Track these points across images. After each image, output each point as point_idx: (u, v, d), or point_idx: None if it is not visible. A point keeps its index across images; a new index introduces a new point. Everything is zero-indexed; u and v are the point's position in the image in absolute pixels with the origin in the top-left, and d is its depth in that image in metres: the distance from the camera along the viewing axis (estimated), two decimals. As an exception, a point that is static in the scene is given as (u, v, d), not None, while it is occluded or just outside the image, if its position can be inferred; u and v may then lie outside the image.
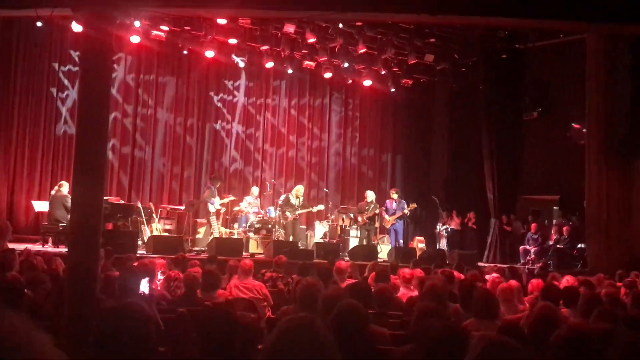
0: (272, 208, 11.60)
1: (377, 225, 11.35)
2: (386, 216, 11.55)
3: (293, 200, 11.00)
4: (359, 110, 14.56)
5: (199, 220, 11.59)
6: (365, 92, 14.10)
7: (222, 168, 13.20)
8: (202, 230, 11.03)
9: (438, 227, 12.75)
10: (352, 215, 11.69)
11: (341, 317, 2.51)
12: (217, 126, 13.12)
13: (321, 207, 11.58)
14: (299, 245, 10.67)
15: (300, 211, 11.04)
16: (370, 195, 11.27)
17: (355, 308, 2.59)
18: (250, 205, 11.52)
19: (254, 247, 10.68)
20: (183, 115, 12.81)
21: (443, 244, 12.72)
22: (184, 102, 12.80)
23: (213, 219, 10.58)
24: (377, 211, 11.14)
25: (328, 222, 12.24)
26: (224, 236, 10.59)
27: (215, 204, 10.72)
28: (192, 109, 12.90)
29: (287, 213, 10.80)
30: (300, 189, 11.18)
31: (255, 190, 11.86)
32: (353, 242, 11.48)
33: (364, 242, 11.15)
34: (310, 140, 14.17)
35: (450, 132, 14.34)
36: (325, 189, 13.57)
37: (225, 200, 11.13)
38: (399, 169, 14.93)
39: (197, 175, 12.93)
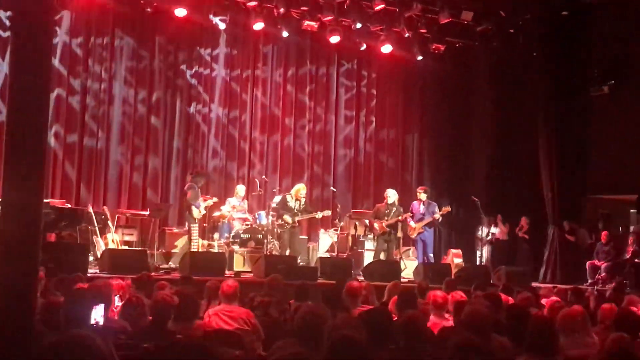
0: (262, 213, 11.62)
1: (399, 234, 11.50)
2: (412, 223, 11.56)
3: (292, 203, 11.05)
4: (375, 86, 14.54)
5: (175, 230, 11.80)
6: (383, 62, 14.04)
7: (199, 161, 13.25)
8: (180, 242, 11.20)
9: (479, 235, 12.81)
10: (367, 222, 11.77)
11: (333, 354, 2.53)
12: (191, 109, 13.22)
13: (327, 212, 11.61)
14: (299, 261, 10.78)
15: (300, 217, 11.08)
16: (392, 196, 11.33)
17: (351, 341, 2.63)
18: (234, 209, 11.55)
19: (239, 263, 10.79)
20: (146, 89, 12.81)
21: (486, 259, 12.88)
22: (147, 74, 12.80)
23: (195, 228, 10.72)
24: (400, 217, 11.20)
25: (336, 230, 12.22)
26: (200, 249, 10.65)
27: (201, 207, 10.87)
28: (158, 82, 12.91)
29: (286, 217, 10.88)
30: (301, 188, 11.24)
31: (241, 189, 11.84)
32: (369, 257, 11.57)
33: (382, 257, 11.17)
34: (313, 124, 14.17)
35: (495, 112, 14.33)
36: (332, 188, 13.49)
37: (210, 202, 11.22)
38: (428, 161, 14.89)
39: (166, 168, 12.99)
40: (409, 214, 11.60)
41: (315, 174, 14.21)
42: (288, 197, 11.14)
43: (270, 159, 13.90)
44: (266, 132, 13.77)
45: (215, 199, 11.41)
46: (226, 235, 11.34)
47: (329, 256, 11.83)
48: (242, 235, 11.12)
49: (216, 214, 11.51)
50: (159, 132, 12.97)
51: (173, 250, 11.11)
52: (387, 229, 11.14)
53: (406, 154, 14.85)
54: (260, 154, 13.77)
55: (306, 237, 12.22)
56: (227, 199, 11.85)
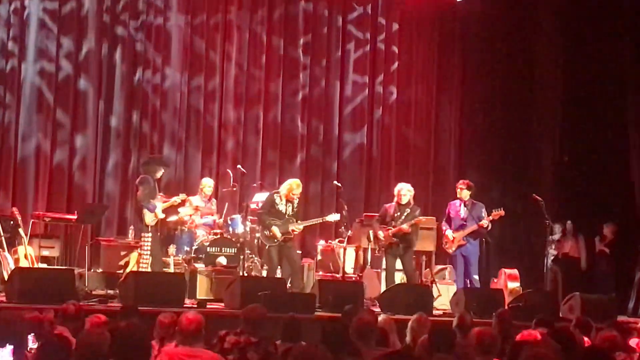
0: (238, 218, 11.70)
1: (414, 246, 11.50)
2: (448, 232, 11.59)
3: (281, 206, 11.09)
4: (397, 41, 14.58)
5: (117, 241, 11.94)
6: (409, 6, 14.17)
7: (147, 143, 13.29)
8: (132, 258, 11.22)
9: (550, 247, 12.80)
10: (371, 231, 11.79)
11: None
12: (136, 78, 13.40)
13: (333, 217, 11.66)
14: (288, 285, 10.77)
15: (296, 226, 11.16)
16: (406, 193, 11.34)
17: None
18: (198, 212, 11.61)
19: (204, 288, 10.84)
20: (73, 38, 12.83)
21: (552, 282, 12.82)
22: (74, 17, 12.84)
23: (148, 239, 10.86)
24: (415, 218, 11.25)
25: (341, 242, 12.25)
26: (148, 268, 10.73)
27: (158, 210, 10.91)
28: (89, 30, 12.96)
29: (275, 230, 10.91)
30: (294, 186, 11.25)
31: (207, 185, 11.94)
32: (397, 280, 11.52)
33: (398, 278, 11.20)
34: (309, 90, 14.19)
35: (564, 77, 14.27)
36: (335, 182, 13.30)
37: (177, 200, 11.24)
38: (471, 145, 14.93)
39: (101, 153, 13.04)
40: (444, 224, 11.58)
41: (312, 162, 14.12)
42: (276, 198, 11.14)
43: (248, 142, 13.81)
44: (243, 103, 13.78)
45: (182, 196, 11.45)
46: (186, 248, 11.34)
47: (331, 278, 11.76)
48: (208, 249, 11.13)
49: (172, 218, 11.53)
50: (89, 102, 13.03)
51: (119, 272, 11.18)
52: (394, 239, 11.15)
53: (440, 136, 14.77)
54: (234, 134, 13.73)
55: (299, 252, 12.17)
56: (187, 198, 11.78)
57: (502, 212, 11.60)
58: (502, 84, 14.74)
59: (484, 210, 11.64)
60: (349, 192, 13.67)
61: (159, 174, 11.19)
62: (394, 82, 14.62)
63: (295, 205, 11.18)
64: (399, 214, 11.21)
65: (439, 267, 12.57)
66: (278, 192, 11.19)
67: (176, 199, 11.23)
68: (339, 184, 13.08)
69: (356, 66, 14.48)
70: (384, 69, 14.59)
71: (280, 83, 14.00)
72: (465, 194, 11.63)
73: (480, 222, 11.42)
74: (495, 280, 12.66)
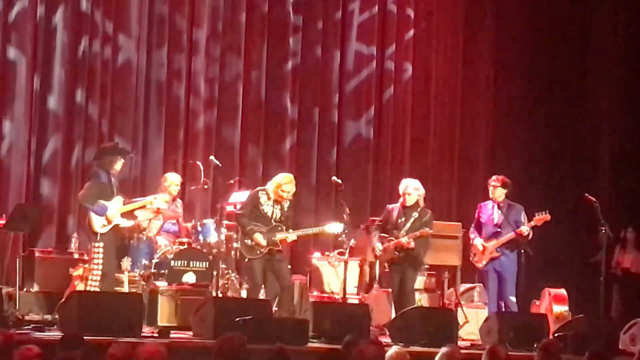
0: (210, 223, 11.88)
1: (421, 264, 11.58)
2: (477, 241, 11.72)
3: (267, 208, 11.16)
4: (413, 2, 14.69)
5: (59, 254, 11.98)
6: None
7: (95, 130, 13.23)
8: (77, 274, 11.18)
9: (606, 261, 12.57)
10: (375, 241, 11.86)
11: None
12: (81, 48, 13.38)
13: (335, 227, 11.53)
14: (274, 308, 10.82)
15: (286, 235, 11.20)
16: (412, 191, 11.39)
17: None
18: (158, 216, 11.71)
19: (167, 313, 10.94)
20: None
21: (609, 305, 12.84)
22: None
23: (99, 250, 10.79)
24: (421, 230, 11.24)
25: (342, 254, 12.24)
26: (97, 287, 10.71)
27: (110, 213, 10.84)
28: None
29: (258, 237, 10.95)
30: (285, 181, 11.28)
31: (173, 182, 12.06)
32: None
33: (410, 299, 11.34)
34: (300, 60, 14.25)
35: (629, 40, 14.52)
36: (334, 178, 13.06)
37: (135, 205, 11.26)
38: (507, 133, 15.04)
39: (36, 140, 13.00)
40: (472, 231, 11.69)
41: (303, 152, 14.22)
42: (261, 197, 11.18)
43: (223, 127, 13.91)
44: (216, 80, 13.86)
45: (157, 198, 11.41)
46: (144, 262, 11.46)
47: (328, 300, 11.92)
48: (172, 263, 11.26)
49: (126, 224, 11.31)
50: (21, 76, 12.95)
51: (59, 292, 11.07)
52: (397, 253, 11.26)
53: (467, 122, 14.91)
54: (205, 118, 13.82)
55: (289, 266, 12.12)
56: (146, 197, 11.78)
57: (547, 217, 11.63)
58: (546, 55, 14.83)
59: (523, 213, 11.70)
60: (352, 190, 13.63)
61: (116, 166, 11.10)
62: (408, 55, 14.70)
63: (286, 207, 11.19)
64: (403, 219, 11.29)
65: (466, 285, 12.68)
66: (264, 190, 11.21)
67: (150, 200, 11.20)
68: (339, 181, 12.71)
69: (361, 32, 14.50)
70: (397, 38, 14.64)
71: (265, 51, 14.02)
72: (500, 194, 11.67)
73: (519, 229, 11.46)
74: (537, 303, 12.63)
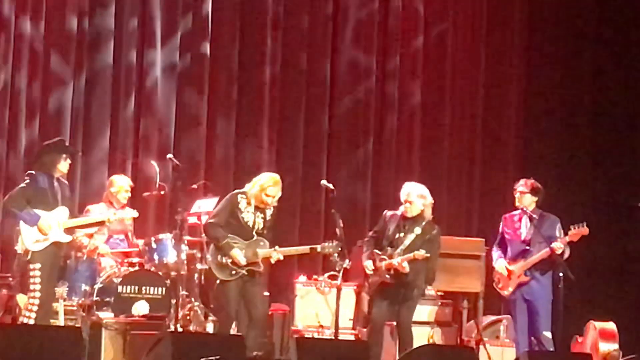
0: (168, 239, 11.92)
1: (418, 295, 11.49)
2: (501, 262, 11.66)
3: (247, 214, 11.09)
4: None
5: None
6: None
7: (3, 123, 13.31)
8: (20, 302, 11.25)
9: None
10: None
11: None
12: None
13: (330, 247, 11.40)
14: (248, 345, 10.46)
15: (269, 252, 11.08)
16: (415, 199, 11.33)
17: None
18: (102, 230, 11.85)
19: (112, 351, 10.90)
20: None
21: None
22: None
23: (37, 271, 10.74)
24: (422, 251, 11.03)
25: (334, 278, 12.14)
26: (34, 319, 10.60)
27: (44, 224, 10.71)
28: None
29: (236, 253, 10.84)
30: (270, 182, 11.21)
31: (122, 187, 12.19)
32: (419, 339, 11.65)
33: (404, 329, 11.32)
34: (282, 36, 14.75)
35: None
36: (324, 181, 12.81)
37: (93, 219, 11.50)
38: (538, 119, 15.45)
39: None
40: (495, 249, 11.73)
41: (284, 149, 14.54)
42: (241, 202, 11.04)
43: (184, 112, 14.19)
44: (174, 36, 14.30)
45: (116, 214, 11.57)
46: (84, 287, 11.46)
47: (317, 336, 11.96)
48: (120, 289, 11.31)
49: (62, 239, 11.04)
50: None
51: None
52: (388, 278, 11.13)
53: (492, 107, 15.29)
54: (160, 99, 14.12)
55: (266, 294, 12.25)
56: (87, 207, 12.09)
57: (584, 230, 11.50)
58: (589, 43, 15.38)
59: (558, 226, 11.66)
60: (346, 196, 13.65)
61: (61, 167, 10.98)
62: (417, 14, 15.10)
63: (269, 215, 11.07)
64: (402, 234, 11.16)
65: (491, 318, 12.63)
66: (244, 194, 11.04)
67: (108, 217, 11.29)
68: (330, 185, 12.34)
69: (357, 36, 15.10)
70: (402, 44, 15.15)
71: (236, 52, 14.51)
72: (529, 202, 11.65)
73: (553, 246, 11.37)
74: (579, 340, 12.56)
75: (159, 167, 12.57)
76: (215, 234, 10.85)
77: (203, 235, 11.53)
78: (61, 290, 11.08)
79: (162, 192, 12.44)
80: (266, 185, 10.96)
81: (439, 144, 15.06)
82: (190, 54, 14.59)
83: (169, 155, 12.40)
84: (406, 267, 10.84)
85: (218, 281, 10.88)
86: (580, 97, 15.34)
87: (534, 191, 11.65)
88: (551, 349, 11.44)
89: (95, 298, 11.27)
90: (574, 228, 11.45)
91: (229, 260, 10.76)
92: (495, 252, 11.67)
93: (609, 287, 14.35)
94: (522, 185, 11.74)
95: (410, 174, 14.27)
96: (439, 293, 12.12)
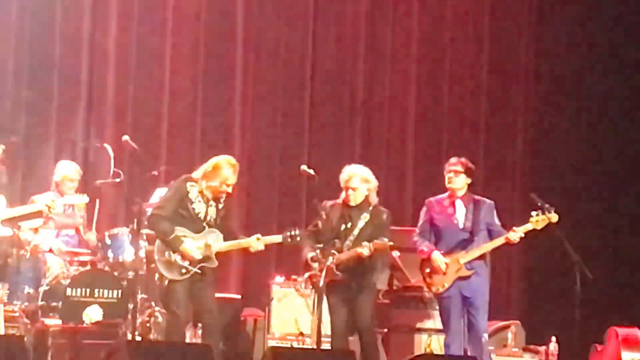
0: (124, 233, 12.21)
1: (374, 285, 11.62)
2: (437, 255, 11.46)
3: (198, 204, 11.08)
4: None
5: None
6: None
7: None
8: None
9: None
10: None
11: None
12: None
13: (291, 238, 11.28)
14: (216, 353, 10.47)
15: (224, 245, 11.04)
16: (358, 184, 11.32)
17: None
18: (48, 223, 11.93)
19: None
20: None
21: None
22: None
23: None
24: (367, 247, 11.03)
25: (314, 279, 11.58)
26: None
27: None
28: None
29: (188, 248, 10.82)
30: (223, 165, 11.16)
31: (68, 174, 12.33)
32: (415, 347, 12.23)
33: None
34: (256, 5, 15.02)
35: None
36: (303, 167, 12.68)
37: (31, 208, 11.62)
38: (547, 99, 15.89)
39: None
40: (418, 238, 11.40)
41: (258, 127, 14.84)
42: (190, 190, 10.97)
43: (142, 93, 14.35)
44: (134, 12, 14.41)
45: (54, 201, 11.59)
46: (28, 290, 11.55)
47: (295, 345, 12.23)
48: (69, 292, 11.39)
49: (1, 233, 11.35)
50: None
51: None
52: (339, 274, 11.05)
53: (499, 109, 15.69)
54: (116, 77, 14.34)
55: (239, 297, 12.75)
56: (32, 197, 12.10)
57: (552, 217, 11.37)
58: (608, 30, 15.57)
59: (495, 212, 11.59)
60: (330, 183, 12.98)
61: None
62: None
63: (222, 204, 10.99)
64: (348, 224, 11.16)
65: (498, 324, 12.62)
66: (193, 181, 10.95)
67: (47, 204, 11.34)
68: (311, 171, 12.31)
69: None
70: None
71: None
72: (462, 184, 11.49)
73: (509, 235, 11.28)
74: (599, 349, 12.56)
75: (114, 151, 12.53)
76: (162, 227, 10.82)
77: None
78: (0, 293, 11.20)
79: (118, 180, 12.40)
80: (220, 170, 11.00)
81: (435, 147, 15.19)
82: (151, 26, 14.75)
83: (125, 137, 11.89)
84: (366, 250, 10.91)
85: (167, 282, 10.83)
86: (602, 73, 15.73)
87: (469, 172, 11.53)
88: (487, 353, 11.57)
89: (40, 302, 11.32)
90: (537, 215, 11.34)
91: (178, 257, 10.73)
92: (423, 242, 11.37)
93: (633, 288, 14.35)
94: (454, 164, 11.57)
95: (403, 156, 15.04)
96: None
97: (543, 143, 15.74)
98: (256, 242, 11.12)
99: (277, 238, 11.26)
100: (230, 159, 11.08)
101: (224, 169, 10.99)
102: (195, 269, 10.71)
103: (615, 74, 15.93)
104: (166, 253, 10.71)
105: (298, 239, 11.26)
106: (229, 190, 10.95)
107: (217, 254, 10.91)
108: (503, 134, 15.84)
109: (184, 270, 10.70)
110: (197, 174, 11.01)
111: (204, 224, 10.84)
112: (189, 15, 14.84)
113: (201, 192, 10.88)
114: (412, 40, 15.66)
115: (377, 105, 15.22)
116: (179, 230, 10.73)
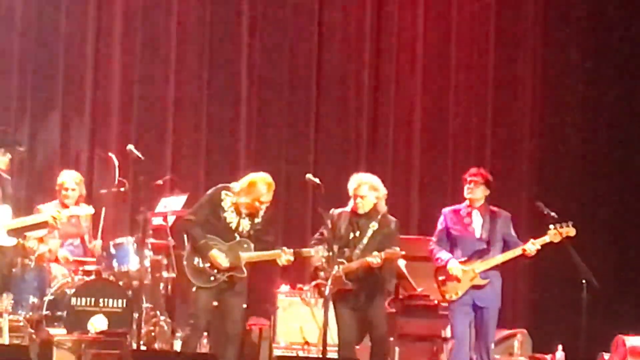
0: (129, 243, 12.21)
1: (384, 293, 11.70)
2: (453, 263, 11.61)
3: (230, 214, 11.23)
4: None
5: None
6: None
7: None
8: None
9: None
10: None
11: None
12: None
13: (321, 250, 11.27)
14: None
15: (252, 255, 11.22)
16: (366, 192, 11.39)
17: None
18: (52, 233, 12.00)
19: None
20: None
21: None
22: None
23: None
24: (391, 249, 11.16)
25: (322, 287, 11.62)
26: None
27: None
28: None
29: (216, 254, 10.95)
30: (262, 183, 11.34)
31: (70, 183, 12.40)
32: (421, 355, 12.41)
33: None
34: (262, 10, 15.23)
35: None
36: (309, 176, 12.72)
37: (37, 218, 11.77)
38: (556, 105, 15.99)
39: None
40: (434, 246, 11.52)
41: (264, 136, 14.97)
42: (225, 199, 11.13)
43: (147, 99, 14.40)
44: (135, 30, 14.67)
45: (60, 212, 11.66)
46: (32, 300, 11.71)
47: (302, 355, 12.34)
48: (74, 302, 11.61)
49: (5, 242, 11.49)
50: None
51: None
52: (348, 283, 11.13)
53: (504, 113, 15.68)
54: (121, 80, 14.59)
55: (244, 306, 12.19)
56: (35, 207, 12.28)
57: (570, 231, 11.52)
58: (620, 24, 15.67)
59: (511, 224, 11.78)
60: (335, 193, 13.01)
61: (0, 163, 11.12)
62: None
63: (260, 217, 11.20)
64: (357, 233, 11.23)
65: (504, 332, 12.75)
66: (229, 190, 11.13)
67: (53, 215, 11.48)
68: (317, 180, 12.39)
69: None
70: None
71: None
72: (481, 195, 11.65)
73: (526, 246, 11.46)
74: (605, 357, 12.83)
75: (118, 159, 12.59)
76: (193, 232, 10.95)
77: (170, 238, 11.64)
78: (5, 303, 11.38)
79: (122, 189, 12.49)
80: (261, 193, 11.12)
81: (441, 150, 15.30)
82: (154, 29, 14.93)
83: (130, 147, 12.18)
84: (377, 260, 11.04)
85: (194, 288, 10.91)
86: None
87: (488, 183, 11.65)
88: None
89: (45, 312, 11.48)
90: (556, 227, 11.45)
91: (207, 264, 10.84)
92: (440, 251, 11.54)
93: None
94: (474, 175, 11.72)
95: (408, 166, 15.22)
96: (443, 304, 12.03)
97: (550, 152, 15.81)
98: (284, 254, 11.32)
99: (308, 251, 11.39)
100: (267, 177, 11.22)
101: (259, 187, 11.13)
102: (223, 277, 10.84)
103: (623, 81, 16.02)
104: (195, 260, 10.86)
105: (317, 254, 11.41)
106: (263, 207, 11.08)
107: (247, 264, 11.06)
108: (509, 143, 15.87)
109: (212, 278, 10.86)
110: (235, 185, 11.16)
111: (236, 234, 10.98)
112: (193, 22, 14.98)
113: (235, 204, 11.01)
114: (417, 51, 15.83)
115: (383, 116, 15.27)
116: (210, 239, 10.84)
